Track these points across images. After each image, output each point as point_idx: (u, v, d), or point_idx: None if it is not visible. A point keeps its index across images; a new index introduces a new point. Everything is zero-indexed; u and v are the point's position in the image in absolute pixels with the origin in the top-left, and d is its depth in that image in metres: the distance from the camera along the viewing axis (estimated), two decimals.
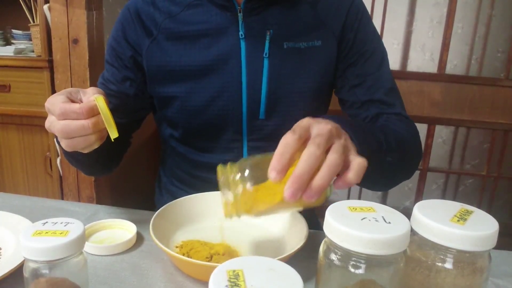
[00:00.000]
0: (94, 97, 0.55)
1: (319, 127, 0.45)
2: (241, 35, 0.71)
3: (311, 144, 0.42)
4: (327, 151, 0.43)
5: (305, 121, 0.45)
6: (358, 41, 0.75)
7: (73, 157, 0.69)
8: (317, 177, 0.41)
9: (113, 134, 0.55)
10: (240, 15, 0.71)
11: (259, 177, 0.44)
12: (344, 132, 0.47)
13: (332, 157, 0.42)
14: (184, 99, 0.74)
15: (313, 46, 0.73)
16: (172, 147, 0.82)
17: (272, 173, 0.41)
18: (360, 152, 0.47)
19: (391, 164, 0.60)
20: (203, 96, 0.73)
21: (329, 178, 0.41)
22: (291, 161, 0.42)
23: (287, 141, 0.42)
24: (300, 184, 0.40)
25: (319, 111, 0.80)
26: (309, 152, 0.41)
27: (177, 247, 0.58)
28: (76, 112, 0.53)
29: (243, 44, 0.71)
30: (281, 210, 0.49)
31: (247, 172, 0.45)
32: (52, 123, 0.55)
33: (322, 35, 0.74)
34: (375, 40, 0.78)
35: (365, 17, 0.77)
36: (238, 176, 0.45)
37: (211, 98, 0.72)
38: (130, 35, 0.75)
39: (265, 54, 0.72)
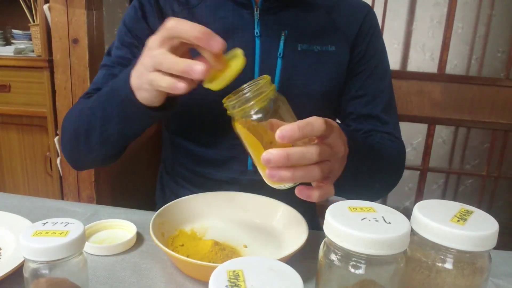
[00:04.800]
0: (239, 50, 0.51)
1: (338, 144, 0.48)
2: (257, 33, 0.72)
3: (321, 147, 0.45)
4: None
5: (335, 124, 0.48)
6: (367, 54, 0.77)
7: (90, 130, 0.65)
8: (293, 170, 0.44)
9: (218, 84, 0.52)
10: (256, 14, 0.72)
11: (267, 116, 0.46)
12: (345, 158, 0.51)
13: (317, 172, 0.45)
14: (194, 93, 0.73)
15: (326, 51, 0.74)
16: (176, 143, 0.81)
17: (279, 133, 0.42)
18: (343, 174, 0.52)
19: (365, 173, 0.63)
20: (213, 91, 0.73)
21: (300, 180, 0.45)
22: (301, 138, 0.44)
23: (314, 125, 0.44)
24: (281, 162, 0.43)
25: (327, 117, 0.80)
26: (312, 151, 0.44)
27: (177, 247, 0.58)
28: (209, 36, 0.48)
29: (258, 42, 0.72)
30: (252, 149, 0.50)
31: (267, 108, 0.46)
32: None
33: (336, 40, 0.75)
34: (382, 55, 0.80)
35: (377, 31, 0.79)
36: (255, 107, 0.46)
37: (220, 92, 0.72)
38: (150, 18, 0.74)
39: (279, 54, 0.72)
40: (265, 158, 0.43)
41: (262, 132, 0.47)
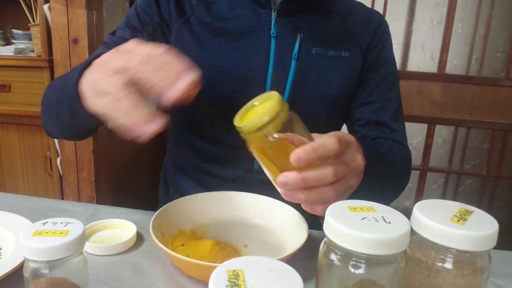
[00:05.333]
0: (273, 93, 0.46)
1: (356, 158, 0.48)
2: (273, 33, 0.72)
3: (337, 168, 0.45)
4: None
5: (350, 139, 0.49)
6: (377, 62, 0.79)
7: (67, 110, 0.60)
8: (307, 193, 0.45)
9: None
10: (273, 14, 0.72)
11: (282, 138, 0.45)
12: (362, 171, 0.51)
13: (330, 194, 0.45)
14: (207, 87, 0.73)
15: (340, 56, 0.75)
16: (181, 138, 0.81)
17: (294, 157, 0.43)
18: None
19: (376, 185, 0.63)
20: (226, 87, 0.73)
21: (313, 203, 0.46)
22: (316, 160, 0.44)
23: (327, 145, 0.44)
24: (297, 185, 0.44)
25: (336, 122, 0.82)
26: (328, 173, 0.44)
27: (177, 246, 0.58)
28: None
29: (273, 42, 0.73)
30: (268, 169, 0.49)
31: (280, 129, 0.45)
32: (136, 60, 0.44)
33: (350, 47, 0.76)
34: (392, 63, 0.82)
35: (389, 40, 0.81)
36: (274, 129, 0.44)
37: (233, 90, 0.72)
38: (163, 5, 0.74)
39: (294, 56, 0.73)
40: (281, 181, 0.44)
41: (278, 154, 0.46)
